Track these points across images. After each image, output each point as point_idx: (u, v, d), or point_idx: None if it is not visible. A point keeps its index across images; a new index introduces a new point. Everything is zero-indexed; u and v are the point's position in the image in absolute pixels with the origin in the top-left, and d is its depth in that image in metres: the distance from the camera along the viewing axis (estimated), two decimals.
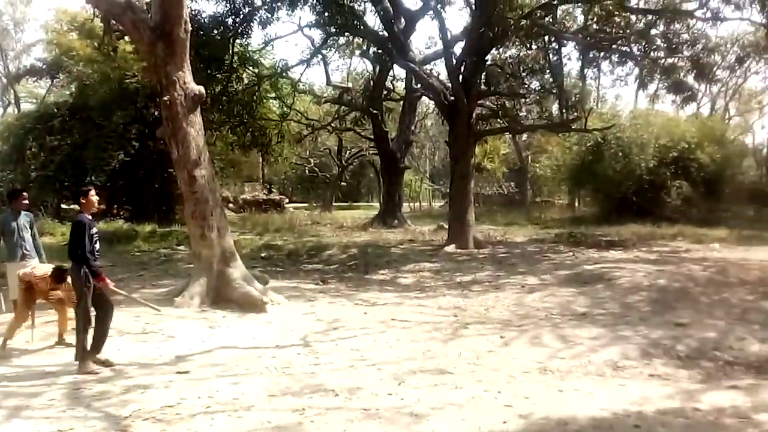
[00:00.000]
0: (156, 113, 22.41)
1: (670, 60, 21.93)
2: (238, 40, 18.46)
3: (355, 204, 49.44)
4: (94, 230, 6.40)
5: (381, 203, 31.58)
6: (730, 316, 8.41)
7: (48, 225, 20.55)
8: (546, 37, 18.12)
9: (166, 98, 9.52)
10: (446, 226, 20.35)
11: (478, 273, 12.75)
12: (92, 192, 6.48)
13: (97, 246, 6.40)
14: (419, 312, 9.22)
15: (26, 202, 8.57)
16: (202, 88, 10.01)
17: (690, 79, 34.45)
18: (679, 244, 17.38)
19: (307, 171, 45.17)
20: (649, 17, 18.40)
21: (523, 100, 22.54)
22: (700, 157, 25.56)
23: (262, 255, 16.35)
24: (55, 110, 25.20)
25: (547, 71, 20.74)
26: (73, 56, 26.09)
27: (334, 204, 42.07)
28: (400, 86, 29.93)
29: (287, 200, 40.28)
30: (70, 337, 6.90)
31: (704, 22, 19.32)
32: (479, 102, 18.22)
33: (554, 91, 20.34)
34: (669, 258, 14.07)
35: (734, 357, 6.65)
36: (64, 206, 25.87)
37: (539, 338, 7.36)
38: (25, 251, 8.26)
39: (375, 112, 24.65)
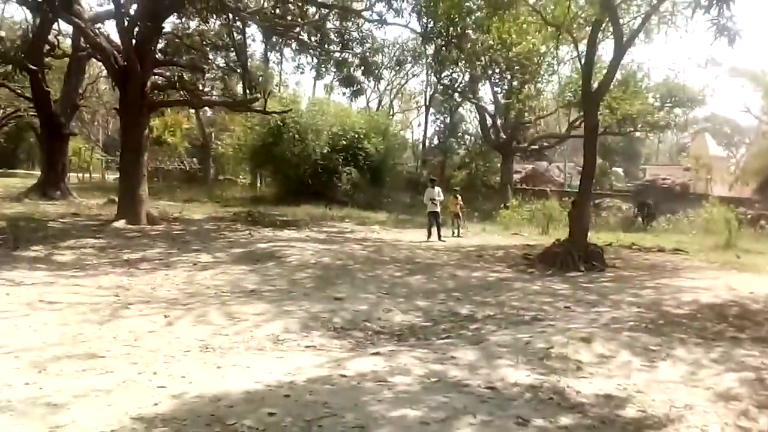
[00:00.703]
0: None
1: (342, 54, 23.63)
2: None
3: (10, 171, 43.09)
4: None
5: (41, 172, 28.04)
6: (381, 290, 9.37)
7: None
8: (229, 15, 17.95)
9: None
10: (117, 201, 19.01)
11: (149, 250, 12.11)
12: None
13: None
14: (75, 292, 8.37)
15: None
16: None
17: (359, 74, 38.00)
18: (346, 226, 18.88)
19: None
20: (324, 11, 19.48)
21: (205, 75, 22.11)
22: (367, 147, 28.13)
23: None
24: None
25: (232, 49, 20.64)
26: None
27: None
28: (67, 43, 26.76)
29: None
30: None
31: (372, 24, 21.24)
32: (156, 71, 17.27)
33: (238, 69, 20.34)
34: (335, 238, 15.17)
35: (381, 327, 7.41)
36: None
37: (205, 316, 7.26)
38: None
39: (34, 68, 21.58)
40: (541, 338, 6.30)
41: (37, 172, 37.28)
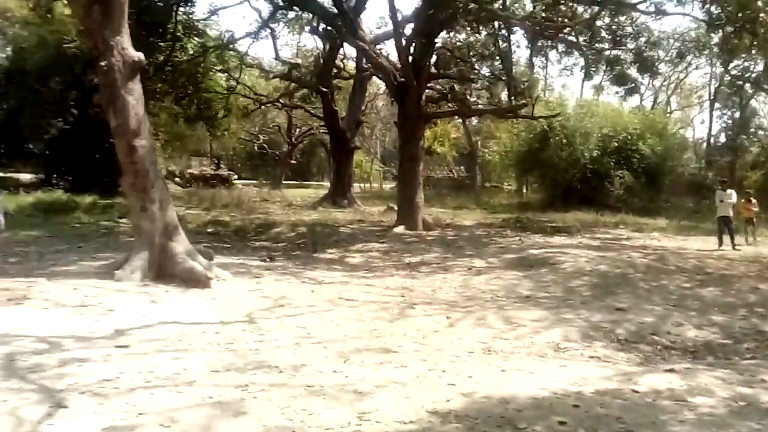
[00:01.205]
0: (95, 80, 21.64)
1: (614, 52, 22.40)
2: (181, 8, 17.89)
3: (305, 183, 49.03)
4: None
5: (331, 183, 31.41)
6: (668, 302, 8.69)
7: None
8: (495, 23, 18.23)
9: (102, 63, 9.15)
10: (396, 208, 20.44)
11: (426, 254, 12.82)
12: None
13: None
14: (366, 291, 9.21)
15: None
16: (141, 55, 9.66)
17: (633, 72, 35.66)
18: (621, 232, 17.88)
19: (256, 148, 44.48)
20: (594, 8, 18.70)
21: (472, 84, 22.72)
22: (642, 148, 26.25)
23: (209, 230, 16.06)
24: None
25: (497, 57, 20.92)
26: (9, 17, 24.88)
27: (284, 182, 41.61)
28: (351, 65, 29.67)
29: (236, 176, 39.63)
30: None
31: (647, 16, 19.78)
32: (429, 84, 18.25)
33: (503, 77, 20.55)
34: (611, 245, 14.44)
35: (671, 342, 6.88)
36: (0, 174, 24.83)
37: (484, 319, 7.44)
38: None
39: (325, 90, 24.36)
40: None
41: (326, 184, 41.89)
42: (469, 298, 8.77)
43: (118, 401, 4.55)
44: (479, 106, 25.70)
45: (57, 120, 21.42)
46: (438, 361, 5.68)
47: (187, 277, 9.13)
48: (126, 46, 9.28)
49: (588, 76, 30.63)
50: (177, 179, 31.19)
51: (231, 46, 22.00)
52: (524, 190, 36.64)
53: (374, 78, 27.37)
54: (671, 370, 5.45)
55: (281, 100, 29.71)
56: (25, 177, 26.84)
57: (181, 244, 9.62)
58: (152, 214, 9.38)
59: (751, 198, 16.94)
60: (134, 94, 9.37)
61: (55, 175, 24.19)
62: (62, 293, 7.98)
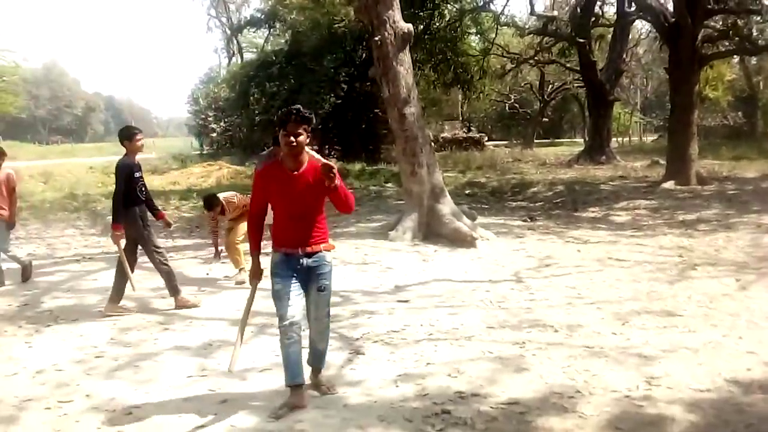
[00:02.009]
0: (363, 56, 23.26)
1: None
2: None
3: (556, 140, 47.68)
4: (138, 174, 6.27)
5: (586, 139, 30.05)
6: None
7: None
8: None
9: (377, 38, 9.76)
10: (662, 162, 18.90)
11: (704, 211, 11.67)
12: (138, 135, 6.28)
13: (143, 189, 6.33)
14: (638, 251, 8.70)
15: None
16: (410, 26, 10.12)
17: None
18: None
19: (507, 108, 44.22)
20: None
21: (756, 18, 19.75)
22: None
23: (466, 192, 16.47)
24: (273, 58, 27.26)
25: None
26: (287, 5, 27.76)
27: (535, 141, 40.88)
28: (610, 11, 27.74)
29: (487, 138, 39.92)
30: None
31: None
32: (705, 22, 16.27)
33: None
34: None
35: None
36: None
37: None
38: None
39: (582, 40, 23.15)
40: None
41: (579, 140, 40.19)
42: (762, 259, 7.79)
43: (406, 351, 4.95)
44: (764, 42, 22.34)
45: (330, 95, 23.53)
46: (732, 327, 5.18)
47: (454, 237, 9.51)
48: (397, 19, 9.82)
49: None
50: (432, 144, 32.46)
51: (486, 6, 21.96)
52: None
53: (636, 22, 25.28)
54: None
55: (536, 57, 28.97)
56: None
57: (447, 206, 10.03)
58: (421, 178, 9.90)
59: None
60: (404, 65, 9.91)
61: (327, 146, 26.73)
62: (346, 252, 8.86)
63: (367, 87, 23.99)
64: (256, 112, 26.43)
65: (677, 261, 7.91)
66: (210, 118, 33.75)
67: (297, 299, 3.83)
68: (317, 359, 4.19)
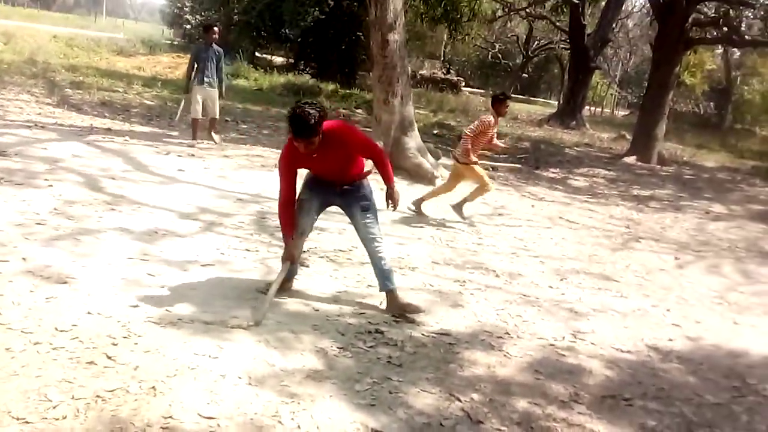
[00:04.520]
0: None
1: None
2: None
3: (532, 98, 47.61)
4: None
5: (560, 101, 30.08)
6: None
7: (243, 69, 21.91)
8: None
9: None
10: (628, 137, 19.15)
11: (658, 190, 11.95)
12: None
13: None
14: (588, 216, 8.90)
15: (216, 36, 9.71)
16: None
17: None
18: None
19: (489, 56, 43.71)
20: None
21: (749, 11, 19.85)
22: None
23: (434, 132, 16.42)
24: None
25: None
26: None
27: (512, 95, 40.69)
28: None
29: (464, 83, 39.56)
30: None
31: None
32: (698, 6, 16.23)
33: None
34: None
35: None
36: (257, 54, 27.31)
37: (718, 268, 6.85)
38: (206, 78, 9.55)
39: (577, 2, 22.86)
40: None
41: (554, 102, 40.21)
42: (703, 243, 8.08)
43: (350, 270, 5.03)
44: (750, 36, 22.51)
45: (314, 9, 22.77)
46: (662, 299, 5.40)
47: (415, 172, 9.53)
48: None
49: None
50: (409, 76, 31.97)
51: None
52: None
53: None
54: None
55: (528, 9, 28.47)
56: (278, 60, 29.30)
57: (413, 140, 9.99)
58: (393, 108, 9.79)
59: None
60: None
61: (303, 61, 26.07)
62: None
63: (354, 7, 23.29)
64: (235, 11, 25.45)
65: (623, 231, 8.14)
66: (186, 8, 32.33)
67: (312, 217, 4.24)
68: (382, 281, 4.22)
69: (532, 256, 6.32)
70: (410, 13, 21.76)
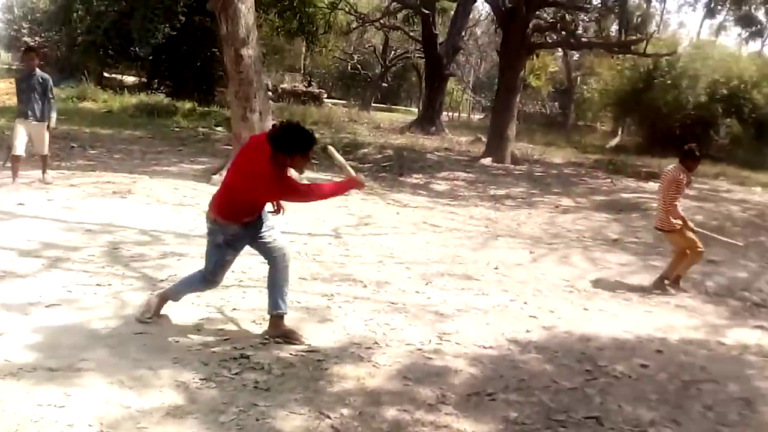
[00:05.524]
0: None
1: None
2: None
3: (393, 107, 48.73)
4: None
5: (420, 109, 31.06)
6: (764, 260, 8.28)
7: (90, 91, 20.69)
8: None
9: None
10: (484, 139, 20.08)
11: (513, 188, 12.64)
12: None
13: None
14: (450, 219, 9.24)
15: (36, 61, 8.58)
16: None
17: (761, 14, 32.79)
18: (721, 184, 16.93)
19: (349, 67, 44.30)
20: None
21: (583, 16, 21.54)
22: (755, 98, 24.45)
23: None
24: None
25: None
26: None
27: (373, 104, 41.47)
28: None
29: (326, 95, 39.79)
30: None
31: None
32: (537, 12, 17.41)
33: (616, 9, 19.37)
34: (709, 196, 13.74)
35: (762, 299, 6.60)
36: (106, 74, 25.90)
37: (568, 258, 7.36)
38: (30, 111, 8.30)
39: (427, 12, 23.75)
40: None
41: (414, 110, 41.44)
42: (554, 236, 8.64)
43: (213, 295, 4.84)
44: (586, 39, 24.44)
45: (164, 25, 21.95)
46: (520, 293, 5.70)
47: None
48: None
49: (710, 13, 28.41)
50: (269, 93, 31.60)
51: None
52: (620, 132, 34.99)
53: (479, 2, 26.37)
54: (761, 327, 5.28)
55: (382, 20, 29.17)
56: (129, 79, 27.98)
57: None
58: (252, 124, 9.63)
59: None
60: (246, 3, 9.48)
61: (157, 80, 25.05)
62: (163, 191, 8.45)
63: (207, 22, 22.71)
64: (79, 31, 23.99)
65: (483, 231, 8.53)
66: (24, 30, 30.10)
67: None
68: (279, 302, 4.16)
69: (399, 263, 6.45)
70: (265, 26, 21.65)
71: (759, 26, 35.42)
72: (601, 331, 4.79)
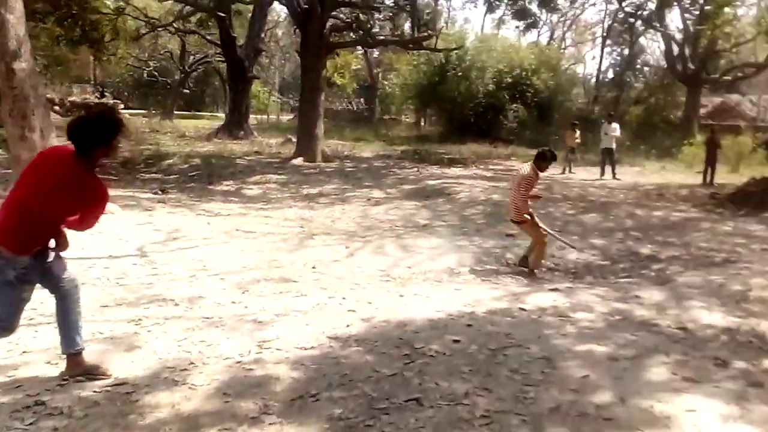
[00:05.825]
0: None
1: None
2: None
3: (198, 113, 47.00)
4: None
5: (226, 114, 30.30)
6: (553, 228, 9.13)
7: None
8: None
9: None
10: (294, 140, 20.10)
11: (325, 186, 12.78)
12: None
13: None
14: (265, 223, 9.10)
15: None
16: None
17: (534, 6, 36.39)
18: (513, 163, 18.51)
19: (145, 75, 41.91)
20: None
21: (377, 15, 22.33)
22: (536, 83, 27.07)
23: None
24: None
25: None
26: None
27: (176, 112, 39.67)
28: None
29: (122, 106, 37.32)
30: None
31: None
32: (333, 13, 17.72)
33: (407, 8, 20.32)
34: (503, 175, 14.96)
35: (555, 264, 7.30)
36: None
37: (383, 248, 7.57)
38: None
39: (222, 15, 23.13)
40: (737, 280, 5.86)
41: (221, 115, 40.36)
42: (368, 228, 8.86)
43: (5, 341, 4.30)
44: (382, 37, 25.39)
45: None
46: (338, 289, 5.74)
47: None
48: None
49: (490, 8, 30.88)
50: (57, 107, 28.87)
51: None
52: (422, 123, 36.95)
53: (275, 4, 26.21)
54: (555, 290, 5.81)
55: (174, 24, 27.91)
56: None
57: None
58: (32, 143, 8.69)
59: (576, 128, 17.71)
60: (15, 13, 8.51)
61: None
62: None
63: None
64: None
65: (298, 231, 8.50)
66: None
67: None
68: (76, 339, 3.76)
69: (212, 275, 6.20)
70: (44, 36, 19.73)
71: (534, 18, 39.21)
72: (416, 315, 4.96)
